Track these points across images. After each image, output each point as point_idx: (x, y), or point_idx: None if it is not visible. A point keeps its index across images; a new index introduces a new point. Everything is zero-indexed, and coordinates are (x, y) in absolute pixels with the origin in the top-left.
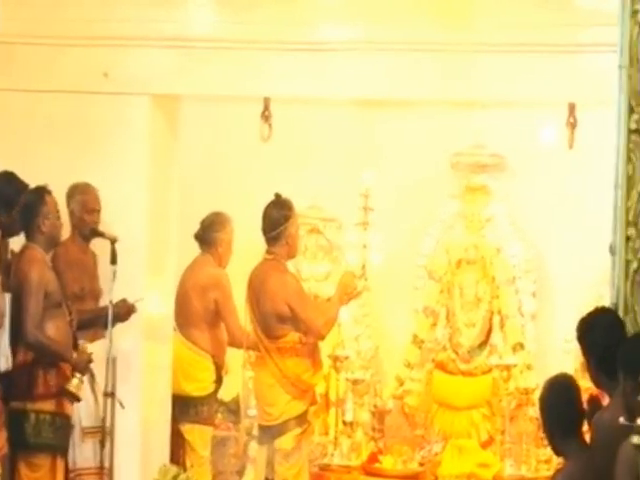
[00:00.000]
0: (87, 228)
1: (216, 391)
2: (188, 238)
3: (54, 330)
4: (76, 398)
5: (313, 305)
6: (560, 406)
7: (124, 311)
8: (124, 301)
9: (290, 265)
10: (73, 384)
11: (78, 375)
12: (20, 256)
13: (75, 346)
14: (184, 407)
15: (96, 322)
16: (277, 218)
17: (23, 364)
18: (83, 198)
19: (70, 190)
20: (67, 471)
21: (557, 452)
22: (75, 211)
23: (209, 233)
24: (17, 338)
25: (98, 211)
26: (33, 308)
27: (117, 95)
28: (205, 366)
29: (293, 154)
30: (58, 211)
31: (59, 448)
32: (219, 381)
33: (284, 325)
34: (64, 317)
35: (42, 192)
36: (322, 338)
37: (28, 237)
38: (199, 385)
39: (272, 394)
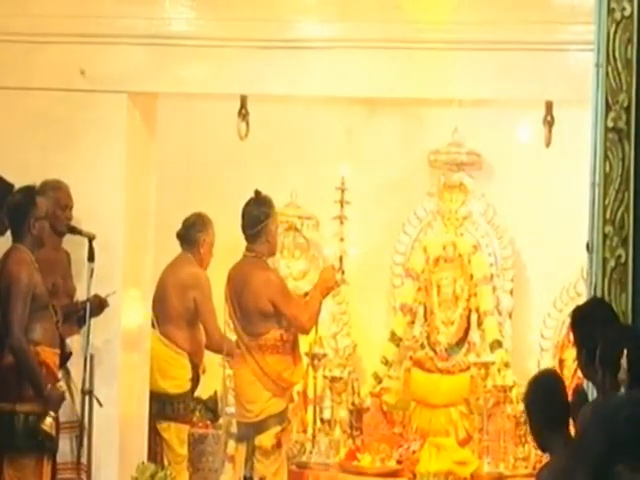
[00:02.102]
0: (61, 225)
1: (192, 389)
2: (166, 236)
3: (41, 332)
4: (50, 438)
5: (296, 301)
6: (545, 401)
7: (96, 306)
8: (96, 296)
9: (269, 263)
10: (46, 423)
11: (52, 414)
12: (7, 257)
13: (62, 347)
14: (160, 404)
15: (70, 318)
16: (257, 215)
17: (11, 365)
18: (55, 195)
19: (41, 187)
20: (54, 472)
21: (543, 448)
22: (48, 208)
23: (191, 233)
24: (3, 340)
25: (71, 207)
26: (20, 311)
27: (94, 93)
28: (181, 364)
29: (270, 152)
30: (46, 212)
31: (48, 449)
32: (195, 379)
33: (267, 322)
34: (51, 319)
35: (32, 192)
36: (307, 332)
37: (16, 238)
38: (175, 383)
39: (252, 391)
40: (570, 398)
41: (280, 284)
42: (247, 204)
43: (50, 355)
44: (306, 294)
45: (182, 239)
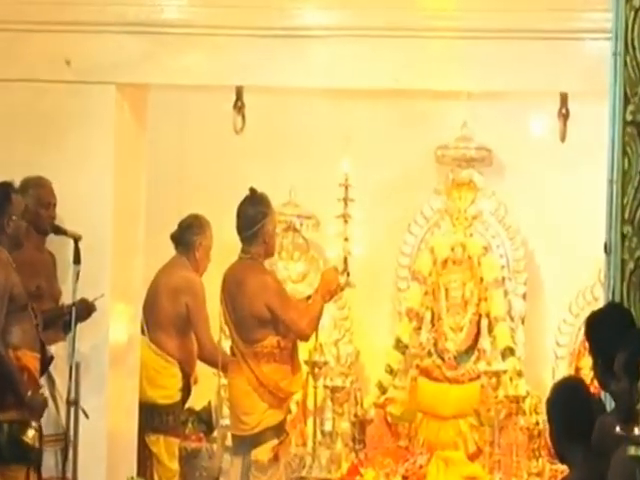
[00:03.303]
0: (44, 224)
1: (183, 400)
2: (157, 237)
3: (20, 334)
4: (32, 450)
5: (295, 305)
6: (567, 410)
7: (83, 310)
8: (83, 300)
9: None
10: (28, 435)
11: (34, 424)
12: None
13: (43, 352)
14: (148, 416)
15: (54, 323)
16: (253, 215)
17: None
18: (37, 192)
19: (22, 184)
20: None
21: (562, 459)
22: (29, 206)
23: (187, 235)
24: None
25: (54, 205)
26: None
27: (80, 84)
28: (172, 373)
29: (268, 147)
30: (23, 210)
31: (32, 459)
32: (187, 390)
33: (263, 329)
34: (30, 320)
35: (8, 189)
36: (307, 339)
37: None
38: (164, 392)
39: (248, 402)
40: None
41: (277, 287)
42: (242, 203)
43: (31, 359)
44: (309, 297)
45: (177, 241)
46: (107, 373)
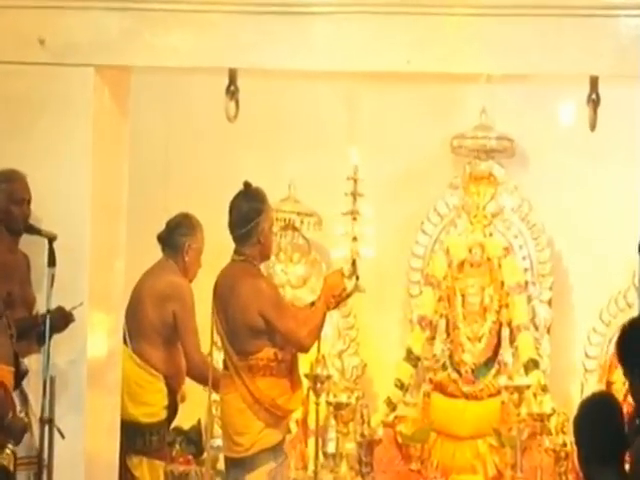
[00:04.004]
0: (16, 223)
1: (169, 419)
2: (141, 236)
3: None
4: (7, 472)
5: (292, 313)
6: (598, 428)
7: (59, 320)
8: (60, 309)
9: (262, 268)
10: (4, 456)
11: (10, 446)
12: None
13: (17, 365)
14: (130, 436)
15: (27, 334)
16: (247, 212)
17: None
18: (9, 187)
19: None
20: None
21: None
22: (1, 203)
23: (175, 236)
24: None
25: (28, 201)
26: None
27: (55, 66)
28: (156, 388)
29: (264, 136)
30: None
31: None
32: (173, 408)
33: (257, 339)
34: (5, 331)
35: None
36: (306, 351)
37: None
38: (148, 410)
39: (242, 421)
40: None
41: (272, 293)
42: (235, 198)
43: (7, 374)
44: (312, 304)
45: (164, 242)
46: (85, 389)
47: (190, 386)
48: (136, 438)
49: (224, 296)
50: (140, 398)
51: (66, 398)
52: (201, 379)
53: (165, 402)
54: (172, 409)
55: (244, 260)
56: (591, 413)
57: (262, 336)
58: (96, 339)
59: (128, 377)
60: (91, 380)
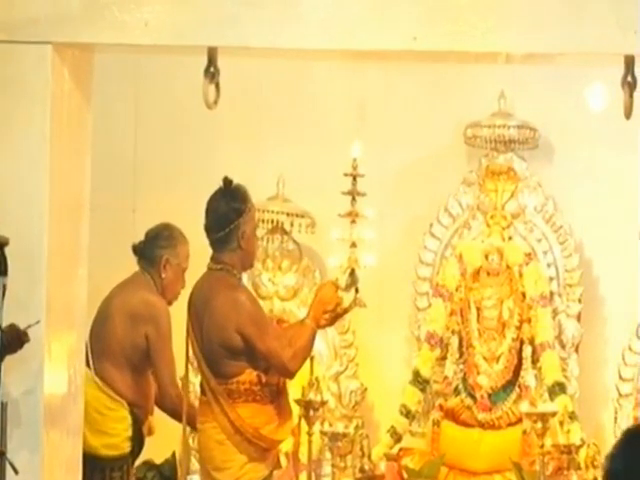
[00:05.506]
0: None
1: (134, 452)
2: (107, 240)
3: None
4: None
5: (276, 332)
6: (634, 467)
7: (13, 340)
8: (12, 326)
9: (245, 278)
10: None
11: None
12: None
13: None
14: (88, 470)
15: None
16: (225, 212)
17: None
18: None
19: None
20: None
21: None
22: None
23: (152, 248)
24: None
25: None
26: None
27: (8, 44)
28: (119, 416)
29: (249, 125)
30: None
31: None
32: (138, 440)
33: (236, 360)
34: None
35: None
36: (291, 376)
37: None
38: (109, 441)
39: (222, 454)
40: None
41: (252, 308)
42: (213, 197)
43: None
44: (302, 322)
45: (140, 254)
46: (42, 419)
47: (163, 414)
48: (94, 473)
49: (199, 311)
50: (99, 426)
51: (21, 429)
52: (174, 414)
53: (129, 433)
54: (137, 442)
55: (221, 269)
56: (628, 449)
57: (241, 357)
58: (55, 362)
59: (87, 402)
60: (48, 410)
